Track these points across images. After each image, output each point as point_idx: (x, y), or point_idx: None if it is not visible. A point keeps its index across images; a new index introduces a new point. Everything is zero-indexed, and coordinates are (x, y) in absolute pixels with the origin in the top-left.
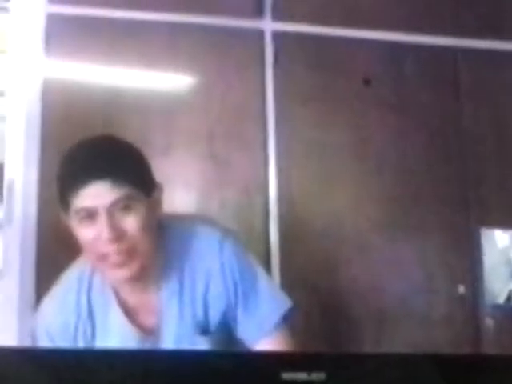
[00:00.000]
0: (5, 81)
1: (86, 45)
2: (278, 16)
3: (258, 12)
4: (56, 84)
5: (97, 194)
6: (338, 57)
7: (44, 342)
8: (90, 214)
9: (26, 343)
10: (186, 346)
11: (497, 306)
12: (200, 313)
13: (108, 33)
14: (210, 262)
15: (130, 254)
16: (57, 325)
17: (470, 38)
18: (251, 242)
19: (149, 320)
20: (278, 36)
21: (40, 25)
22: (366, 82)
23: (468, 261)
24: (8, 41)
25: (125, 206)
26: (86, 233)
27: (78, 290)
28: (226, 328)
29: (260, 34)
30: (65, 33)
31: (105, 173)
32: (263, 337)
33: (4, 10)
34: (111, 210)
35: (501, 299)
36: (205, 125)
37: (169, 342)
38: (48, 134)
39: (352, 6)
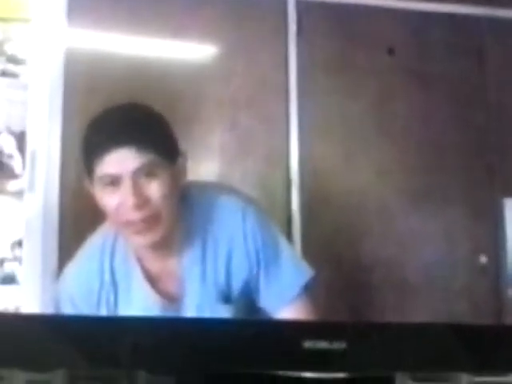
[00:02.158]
0: (28, 49)
1: (110, 14)
2: None
3: None
4: (79, 53)
5: (121, 161)
6: (361, 26)
7: (67, 309)
8: (114, 181)
9: (50, 310)
10: (208, 313)
11: None
12: (222, 281)
13: (131, 2)
14: (232, 231)
15: (153, 220)
16: (80, 292)
17: (496, 7)
18: (273, 212)
19: (171, 287)
20: (301, 5)
21: None
22: (391, 51)
23: (491, 231)
24: (31, 9)
25: (149, 172)
26: (109, 199)
27: (100, 256)
28: (248, 296)
29: (283, 2)
30: (88, 1)
31: (129, 139)
32: (285, 305)
33: None
34: (135, 177)
35: None
36: (228, 95)
37: (191, 309)
38: (71, 104)
39: None
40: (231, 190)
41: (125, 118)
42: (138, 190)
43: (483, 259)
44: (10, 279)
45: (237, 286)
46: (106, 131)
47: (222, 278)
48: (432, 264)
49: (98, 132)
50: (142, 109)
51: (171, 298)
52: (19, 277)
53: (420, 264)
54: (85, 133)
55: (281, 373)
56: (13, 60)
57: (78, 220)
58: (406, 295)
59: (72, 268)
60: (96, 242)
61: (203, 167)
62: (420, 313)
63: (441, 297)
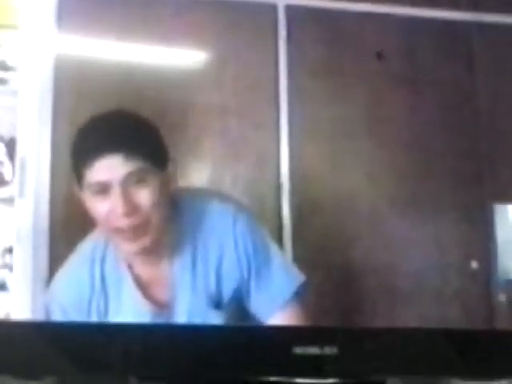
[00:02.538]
0: (17, 56)
1: (99, 20)
2: None
3: None
4: (68, 59)
5: (110, 167)
6: (351, 31)
7: (57, 316)
8: (104, 188)
9: (40, 317)
10: (199, 320)
11: (510, 282)
12: (213, 287)
13: (121, 8)
14: (223, 236)
15: (143, 227)
16: (70, 298)
17: (485, 13)
18: (263, 218)
19: (162, 294)
20: (290, 10)
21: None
22: (380, 56)
23: (481, 236)
24: (20, 16)
25: (139, 179)
26: (99, 206)
27: (91, 263)
28: (239, 302)
29: (273, 8)
30: (77, 7)
31: (118, 146)
32: (276, 311)
33: None
34: (125, 184)
35: None
36: (218, 100)
37: (182, 315)
38: (60, 110)
39: None
40: (221, 196)
41: (114, 125)
42: (127, 197)
43: (474, 264)
44: (0, 286)
45: (227, 291)
46: (94, 138)
47: (212, 284)
48: (423, 269)
49: (86, 139)
50: (131, 115)
51: (162, 305)
52: (9, 283)
53: (411, 269)
54: (74, 139)
55: (272, 379)
56: (2, 66)
57: (68, 227)
58: (397, 300)
59: (62, 275)
60: (86, 248)
61: (194, 173)
62: (411, 318)
63: (432, 302)
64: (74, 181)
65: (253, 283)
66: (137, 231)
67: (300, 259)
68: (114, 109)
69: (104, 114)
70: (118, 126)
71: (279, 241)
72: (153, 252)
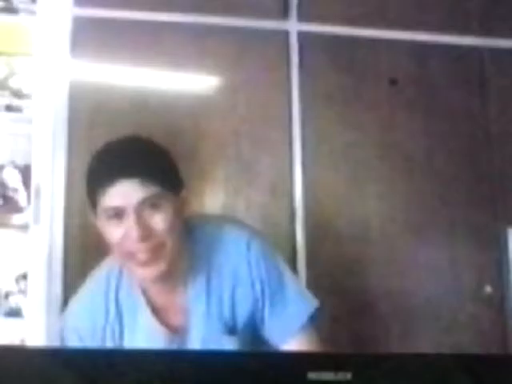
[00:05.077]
0: (32, 83)
1: (112, 47)
2: (303, 17)
3: (284, 13)
4: (83, 86)
5: (125, 193)
6: (363, 57)
7: (72, 342)
8: (118, 213)
9: (55, 344)
10: (213, 346)
11: None
12: (227, 313)
13: (134, 35)
14: (237, 263)
15: (157, 252)
16: (85, 325)
17: (497, 38)
18: (277, 243)
19: (176, 320)
20: (303, 37)
21: (66, 27)
22: (392, 82)
23: (495, 261)
24: (35, 43)
25: (153, 204)
26: (114, 232)
27: (106, 289)
28: (253, 328)
29: (285, 34)
30: (91, 35)
31: (133, 171)
32: (290, 337)
33: (30, 12)
34: (139, 209)
35: None
36: (231, 126)
37: (196, 342)
38: (75, 137)
39: (377, 6)
40: (235, 222)
41: (127, 151)
42: (142, 222)
43: (488, 289)
44: (15, 312)
45: (242, 317)
46: (109, 164)
47: (226, 310)
48: (437, 294)
49: (101, 165)
50: (145, 141)
51: (176, 330)
52: (24, 310)
53: (425, 295)
54: (89, 165)
55: None
56: (17, 94)
57: (82, 253)
58: (411, 325)
59: (77, 301)
60: (101, 275)
61: (207, 199)
62: (425, 343)
63: (446, 327)
64: (89, 207)
65: (267, 309)
66: (152, 256)
67: (314, 284)
68: (128, 135)
69: (118, 140)
70: (132, 151)
71: (293, 266)
72: (167, 278)
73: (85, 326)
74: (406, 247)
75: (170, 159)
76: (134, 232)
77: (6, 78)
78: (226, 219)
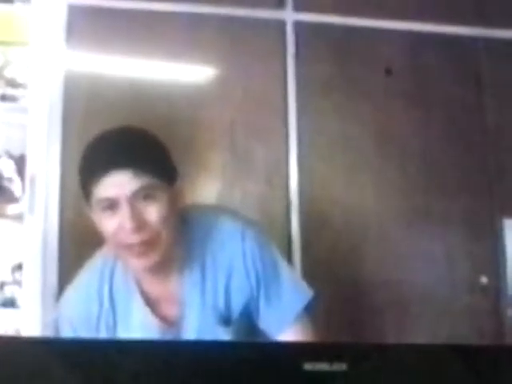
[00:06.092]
0: (27, 73)
1: (108, 37)
2: (299, 6)
3: (280, 2)
4: (78, 76)
5: (118, 184)
6: (359, 47)
7: (66, 332)
8: (112, 204)
9: (49, 333)
10: (208, 336)
11: None
12: (222, 303)
13: (130, 24)
14: (231, 253)
15: (152, 243)
16: (79, 315)
17: (492, 28)
18: (272, 233)
19: (170, 310)
20: (299, 26)
21: (61, 17)
22: (388, 72)
23: (490, 251)
24: (30, 33)
25: (146, 195)
26: (108, 223)
27: (100, 279)
28: (248, 318)
29: (281, 24)
30: (86, 25)
31: (126, 162)
32: (285, 327)
33: (25, 1)
34: (133, 200)
35: None
36: (227, 116)
37: (190, 332)
38: (70, 127)
39: None
40: (230, 213)
41: (121, 142)
42: (135, 213)
43: (483, 280)
44: (10, 302)
45: (236, 308)
46: (102, 155)
47: (221, 301)
48: (432, 285)
49: (94, 155)
50: (138, 132)
51: (170, 321)
52: (19, 300)
53: (420, 285)
54: (81, 157)
55: None
56: (12, 84)
57: (77, 243)
58: (407, 315)
59: (71, 291)
60: (95, 265)
61: (203, 189)
62: (420, 333)
63: (441, 317)
64: (83, 198)
65: (262, 299)
66: (146, 247)
67: (309, 274)
68: (120, 126)
69: (111, 131)
70: (125, 142)
71: (288, 256)
72: (161, 268)
73: (79, 317)
74: (401, 237)
75: (164, 149)
76: (128, 223)
77: (1, 68)
78: (221, 210)
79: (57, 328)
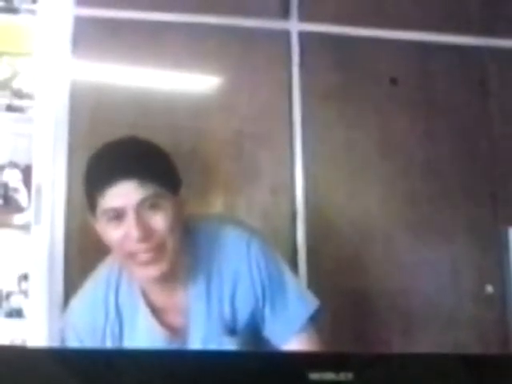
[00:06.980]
0: (33, 83)
1: (114, 47)
2: (304, 17)
3: (285, 13)
4: (84, 86)
5: (124, 194)
6: (364, 57)
7: (72, 342)
8: (118, 214)
9: (56, 343)
10: (213, 346)
11: None
12: (227, 313)
13: (135, 35)
14: (237, 263)
15: (158, 252)
16: (85, 325)
17: (497, 38)
18: (278, 243)
19: (176, 320)
20: (304, 36)
21: (67, 27)
22: (393, 81)
23: (496, 260)
24: (36, 44)
25: (152, 204)
26: (114, 233)
27: (106, 290)
28: (254, 328)
29: (286, 34)
30: (92, 35)
31: (131, 172)
32: (290, 337)
33: (31, 12)
34: (139, 209)
35: None
36: (232, 125)
37: (196, 342)
38: (76, 136)
39: (377, 5)
40: (235, 222)
41: (125, 152)
42: (141, 222)
43: (489, 289)
44: (16, 313)
45: (242, 317)
46: (106, 165)
47: (227, 310)
48: (438, 294)
49: (99, 166)
50: (143, 142)
51: (176, 331)
52: (25, 310)
53: (426, 294)
54: (86, 168)
55: None
56: (18, 94)
57: (83, 253)
58: (412, 325)
59: (77, 301)
60: (101, 275)
61: (208, 198)
62: (426, 343)
63: (447, 327)
64: (88, 209)
65: (267, 309)
66: (152, 255)
67: (315, 284)
68: (125, 136)
69: (116, 141)
70: (130, 152)
71: (294, 266)
72: (167, 278)
73: (85, 327)
74: (407, 247)
75: (169, 159)
76: (134, 232)
77: (7, 79)
78: (226, 219)
79: (63, 338)
